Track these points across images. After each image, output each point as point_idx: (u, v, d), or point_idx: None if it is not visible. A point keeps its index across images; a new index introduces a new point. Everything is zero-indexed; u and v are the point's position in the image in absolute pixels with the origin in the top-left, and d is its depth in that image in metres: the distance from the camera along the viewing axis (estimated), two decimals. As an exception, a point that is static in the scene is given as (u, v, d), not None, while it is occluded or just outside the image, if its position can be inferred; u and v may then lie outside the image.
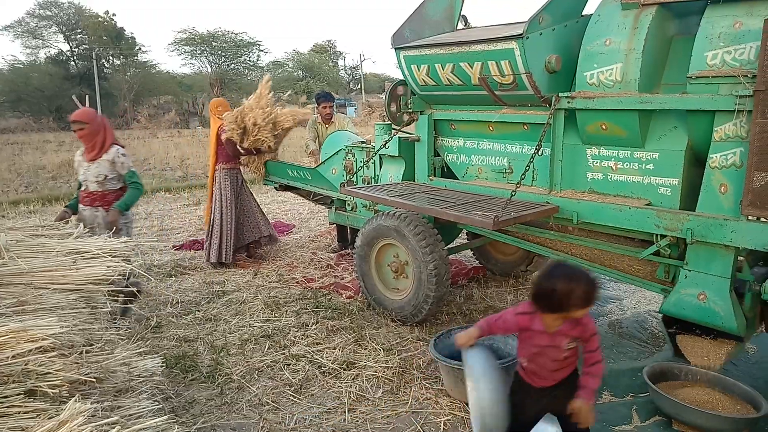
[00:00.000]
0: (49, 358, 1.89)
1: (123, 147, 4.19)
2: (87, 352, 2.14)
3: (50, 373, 1.85)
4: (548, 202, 3.37)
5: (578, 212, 3.26)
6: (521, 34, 3.15)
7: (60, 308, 2.26)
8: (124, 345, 2.39)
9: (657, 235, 3.02)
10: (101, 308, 2.48)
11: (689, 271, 2.92)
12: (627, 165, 3.16)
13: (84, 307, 2.37)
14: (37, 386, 1.81)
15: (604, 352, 3.52)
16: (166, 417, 1.95)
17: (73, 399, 1.77)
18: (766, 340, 3.56)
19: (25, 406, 1.74)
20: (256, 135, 5.45)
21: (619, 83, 3.01)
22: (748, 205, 2.60)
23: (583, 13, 3.48)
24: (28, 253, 2.64)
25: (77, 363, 2.00)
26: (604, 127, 3.14)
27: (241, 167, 5.77)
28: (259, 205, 5.93)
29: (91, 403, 1.78)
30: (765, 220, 2.61)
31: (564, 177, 3.41)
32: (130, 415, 1.97)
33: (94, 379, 2.00)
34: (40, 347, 1.90)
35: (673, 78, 3.03)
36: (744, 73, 2.57)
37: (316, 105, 6.18)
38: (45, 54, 38.65)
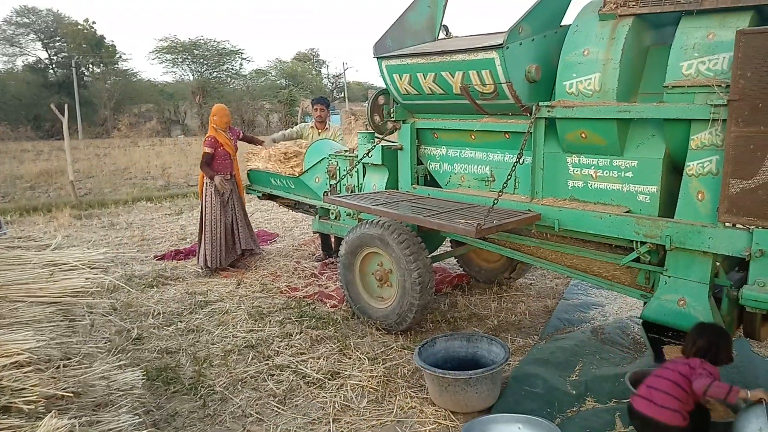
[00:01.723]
0: (25, 373, 1.85)
1: None
2: (64, 366, 2.10)
3: (26, 388, 1.81)
4: (530, 210, 3.40)
5: (560, 220, 3.30)
6: (501, 44, 3.19)
7: (36, 321, 2.22)
8: (103, 358, 2.35)
9: (637, 242, 3.06)
10: (80, 321, 2.44)
11: (669, 277, 2.96)
12: (607, 173, 3.21)
13: (62, 320, 2.33)
14: (11, 402, 1.77)
15: (587, 358, 3.56)
16: (147, 431, 1.92)
17: (50, 415, 1.73)
18: (743, 345, 3.63)
19: (0, 423, 1.69)
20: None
21: (598, 92, 3.06)
22: (725, 212, 2.65)
23: (562, 23, 3.54)
24: (3, 265, 2.59)
25: (54, 378, 1.96)
26: (583, 135, 3.19)
27: (232, 176, 5.74)
28: (247, 216, 5.91)
29: (68, 419, 1.75)
30: (741, 226, 2.66)
31: (545, 185, 3.44)
32: (110, 429, 1.94)
33: (72, 394, 1.96)
34: (16, 362, 1.86)
35: (650, 87, 3.09)
36: (718, 83, 2.64)
37: (311, 107, 6.22)
38: (23, 62, 38.10)
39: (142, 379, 2.38)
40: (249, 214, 6.16)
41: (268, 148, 5.99)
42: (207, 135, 5.65)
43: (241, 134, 5.99)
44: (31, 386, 1.81)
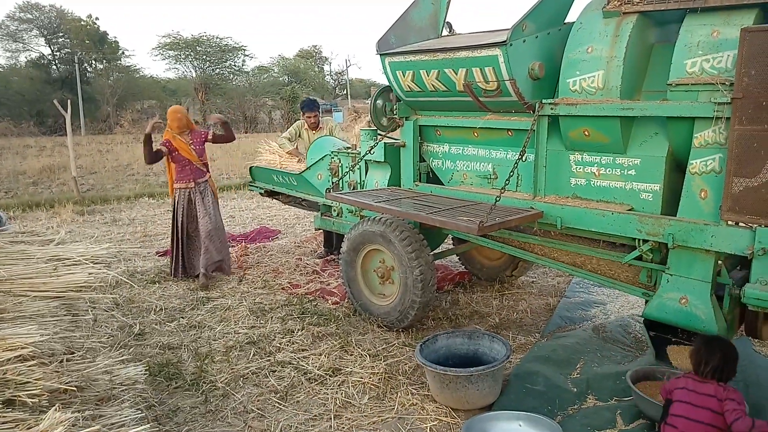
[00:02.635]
0: (29, 367, 1.86)
1: None
2: (68, 360, 2.11)
3: (29, 382, 1.82)
4: (532, 208, 3.40)
5: (562, 217, 3.29)
6: (505, 41, 3.19)
7: (40, 316, 2.23)
8: (106, 353, 2.36)
9: (639, 240, 3.06)
10: (83, 315, 2.45)
11: (671, 275, 2.96)
12: (609, 171, 3.21)
13: (65, 315, 2.34)
14: (15, 396, 1.77)
15: (589, 356, 3.56)
16: (149, 426, 1.93)
17: (53, 408, 1.74)
18: (744, 344, 3.62)
19: (4, 417, 1.70)
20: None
21: (601, 90, 3.06)
22: (728, 210, 2.65)
23: (566, 20, 3.53)
24: (7, 260, 2.60)
25: (57, 372, 1.97)
26: (586, 133, 3.18)
27: (197, 184, 5.21)
28: (218, 234, 5.30)
29: (71, 413, 1.76)
30: (743, 225, 2.66)
31: (548, 183, 3.44)
32: (112, 424, 1.95)
33: (75, 388, 1.97)
34: (20, 356, 1.87)
35: (654, 85, 3.08)
36: (722, 81, 2.63)
37: (301, 113, 6.16)
38: (26, 58, 38.09)
39: (145, 374, 2.39)
40: (250, 210, 6.11)
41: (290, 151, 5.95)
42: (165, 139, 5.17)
43: (211, 135, 5.31)
44: (35, 380, 1.82)
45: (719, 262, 2.89)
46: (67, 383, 1.93)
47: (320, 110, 6.22)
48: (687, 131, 2.84)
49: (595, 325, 4.11)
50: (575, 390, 3.16)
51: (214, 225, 5.22)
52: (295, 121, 6.34)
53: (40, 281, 2.44)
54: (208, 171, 5.34)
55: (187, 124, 5.20)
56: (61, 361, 2.06)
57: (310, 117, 5.97)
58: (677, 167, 3.04)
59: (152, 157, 5.04)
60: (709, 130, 2.74)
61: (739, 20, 2.67)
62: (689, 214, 2.87)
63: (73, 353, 2.17)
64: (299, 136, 6.12)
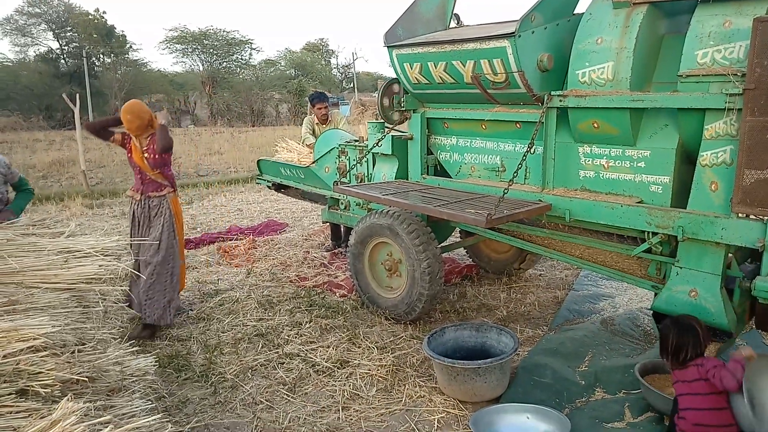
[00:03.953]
0: (41, 357, 1.88)
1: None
2: (79, 351, 2.13)
3: (42, 372, 1.84)
4: (541, 200, 3.39)
5: (570, 210, 3.28)
6: (513, 33, 3.16)
7: (52, 307, 2.25)
8: (116, 344, 2.38)
9: (648, 232, 3.04)
10: (93, 307, 2.47)
11: (680, 268, 2.94)
12: (619, 163, 3.18)
13: (76, 306, 2.35)
14: (28, 386, 1.80)
15: (597, 349, 3.55)
16: (159, 416, 1.95)
17: (66, 398, 1.76)
18: (755, 337, 3.60)
19: (17, 406, 1.73)
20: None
21: (611, 82, 3.03)
22: (738, 203, 2.63)
23: (575, 11, 3.50)
24: (19, 252, 2.62)
25: (69, 362, 1.99)
26: (596, 125, 3.16)
27: (148, 198, 4.05)
28: (163, 264, 3.99)
29: (83, 403, 1.77)
30: (754, 217, 2.63)
31: (556, 175, 3.42)
32: (123, 414, 1.97)
33: (87, 379, 1.99)
34: (32, 347, 1.89)
35: (664, 76, 3.05)
36: (734, 72, 2.60)
37: (310, 105, 6.17)
38: (34, 52, 38.29)
39: (155, 365, 2.40)
40: (258, 203, 6.05)
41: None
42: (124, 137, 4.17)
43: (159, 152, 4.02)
44: (47, 370, 1.84)
45: (729, 254, 2.87)
46: (78, 374, 1.95)
47: (329, 102, 6.23)
48: (698, 123, 2.81)
49: (604, 318, 4.10)
50: (583, 383, 3.16)
51: (161, 257, 3.97)
52: (303, 116, 6.34)
53: (51, 273, 2.46)
54: (169, 185, 4.13)
55: (143, 126, 3.99)
56: (73, 352, 2.08)
57: (320, 108, 5.98)
58: (687, 159, 3.02)
59: (98, 132, 4.10)
60: (720, 121, 2.71)
61: (751, 10, 2.63)
62: (699, 207, 2.85)
63: (84, 344, 2.19)
64: (313, 132, 6.13)
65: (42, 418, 1.68)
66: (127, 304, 3.50)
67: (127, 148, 4.11)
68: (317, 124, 6.06)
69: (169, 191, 4.13)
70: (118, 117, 4.05)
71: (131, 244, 3.94)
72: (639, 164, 3.11)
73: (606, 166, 3.24)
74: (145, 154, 4.04)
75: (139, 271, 3.91)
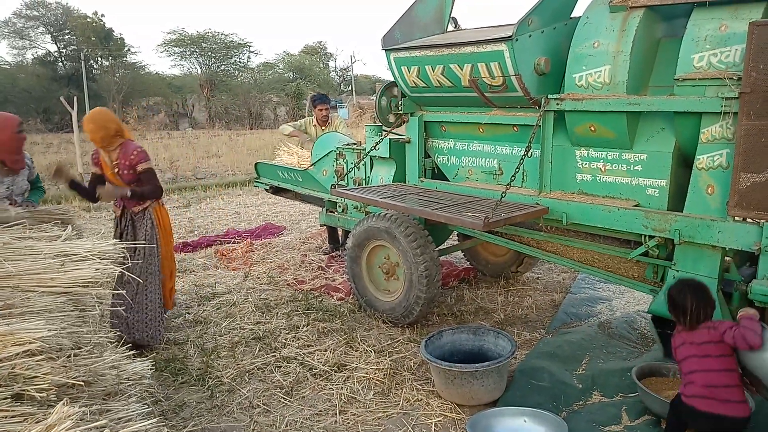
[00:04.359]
0: (37, 361, 1.87)
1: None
2: (75, 355, 2.11)
3: (38, 376, 1.83)
4: (538, 204, 3.39)
5: (567, 213, 3.28)
6: (510, 36, 3.17)
7: (48, 311, 2.23)
8: (113, 348, 2.37)
9: (645, 235, 3.05)
10: (90, 311, 2.46)
11: (677, 271, 2.95)
12: (615, 166, 3.19)
13: (72, 310, 2.34)
14: (24, 390, 1.79)
15: (594, 352, 3.55)
16: (155, 420, 1.94)
17: (61, 403, 1.75)
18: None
19: (12, 411, 1.71)
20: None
21: (608, 85, 3.04)
22: (735, 206, 2.63)
23: (572, 15, 3.51)
24: (15, 255, 2.61)
25: (65, 366, 1.98)
26: (592, 128, 3.17)
27: (142, 209, 3.78)
28: (147, 285, 3.73)
29: (79, 407, 1.76)
30: (751, 220, 2.64)
31: (553, 178, 3.43)
32: (119, 418, 1.96)
33: (83, 383, 1.98)
34: (28, 351, 1.88)
35: (661, 80, 3.06)
36: (730, 76, 2.61)
37: (312, 107, 6.18)
38: (32, 55, 38.25)
39: (151, 369, 2.39)
40: (255, 206, 6.05)
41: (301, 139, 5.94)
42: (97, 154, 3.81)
43: (137, 170, 3.67)
44: (43, 374, 1.83)
45: (727, 258, 2.87)
46: (74, 378, 1.94)
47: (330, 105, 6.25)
48: (694, 126, 2.82)
49: (601, 321, 4.10)
50: (580, 386, 3.15)
51: (145, 275, 3.70)
52: (300, 119, 6.37)
53: (47, 276, 2.44)
54: (150, 198, 3.81)
55: (107, 137, 3.62)
56: (69, 356, 2.07)
57: (322, 110, 6.00)
58: (684, 163, 3.03)
59: (92, 194, 3.77)
60: (716, 125, 2.72)
61: (747, 14, 2.64)
62: (696, 210, 2.85)
63: (80, 348, 2.18)
64: (305, 130, 6.13)
65: (37, 422, 1.67)
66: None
67: (99, 165, 3.77)
68: (316, 125, 6.07)
69: (151, 204, 3.81)
70: (70, 183, 3.81)
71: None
72: (636, 167, 3.11)
73: (603, 169, 3.24)
74: (116, 170, 3.68)
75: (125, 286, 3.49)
